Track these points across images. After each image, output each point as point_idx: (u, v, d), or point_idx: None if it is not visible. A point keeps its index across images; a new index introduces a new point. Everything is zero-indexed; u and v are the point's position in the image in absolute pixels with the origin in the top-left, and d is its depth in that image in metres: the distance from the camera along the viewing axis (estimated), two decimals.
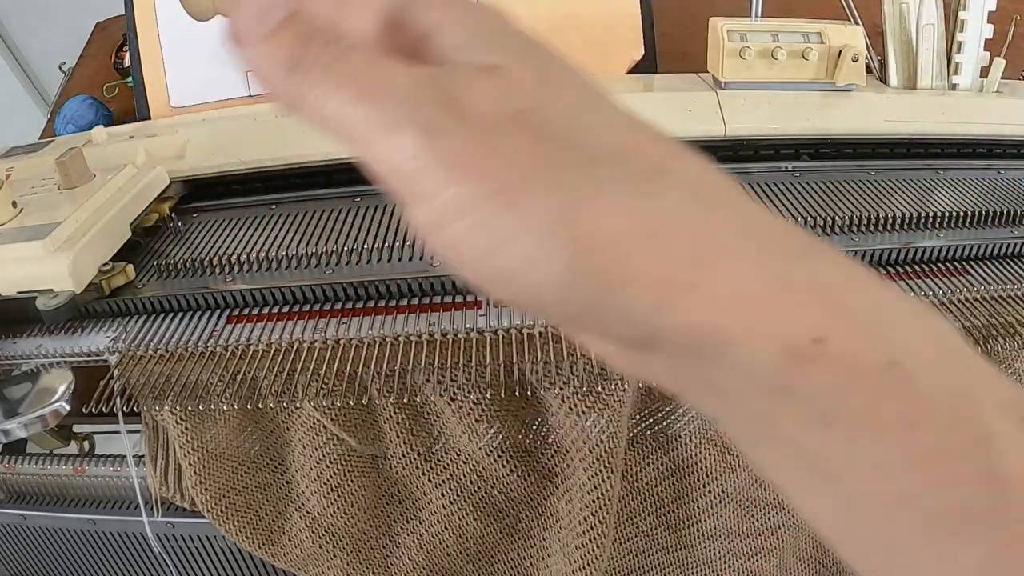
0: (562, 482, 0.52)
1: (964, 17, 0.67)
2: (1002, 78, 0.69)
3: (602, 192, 0.17)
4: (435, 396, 0.48)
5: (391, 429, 0.51)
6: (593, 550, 0.50)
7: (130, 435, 0.51)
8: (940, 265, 0.55)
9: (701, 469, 0.53)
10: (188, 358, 0.50)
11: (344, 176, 0.68)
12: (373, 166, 0.18)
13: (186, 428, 0.50)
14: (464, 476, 0.53)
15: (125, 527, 0.61)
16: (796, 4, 0.91)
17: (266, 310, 0.54)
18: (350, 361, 0.49)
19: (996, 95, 0.69)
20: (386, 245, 0.57)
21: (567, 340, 0.49)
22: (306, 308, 0.54)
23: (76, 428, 0.64)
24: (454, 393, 0.48)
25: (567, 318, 0.19)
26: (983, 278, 0.54)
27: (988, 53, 0.68)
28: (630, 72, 0.79)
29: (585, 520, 0.50)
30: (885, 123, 0.67)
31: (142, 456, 0.53)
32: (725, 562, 0.57)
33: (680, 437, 0.52)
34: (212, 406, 0.48)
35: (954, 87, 0.70)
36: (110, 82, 0.96)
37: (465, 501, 0.53)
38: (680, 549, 0.57)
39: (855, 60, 0.65)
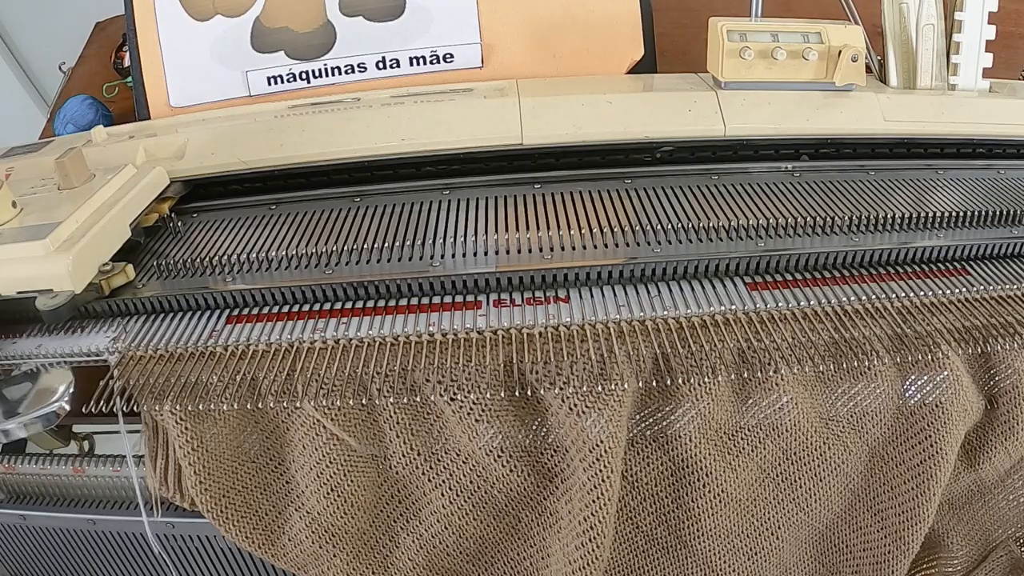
0: (562, 482, 0.52)
1: (961, 18, 0.67)
2: (1001, 78, 0.69)
3: None
4: (435, 396, 0.48)
5: (391, 429, 0.51)
6: (593, 550, 0.51)
7: (130, 435, 0.51)
8: (939, 265, 0.55)
9: (701, 469, 0.53)
10: (188, 358, 0.50)
11: (344, 176, 0.68)
12: None
13: (186, 428, 0.50)
14: (464, 476, 0.53)
15: (125, 527, 0.61)
16: (796, 4, 0.91)
17: (266, 310, 0.54)
18: (350, 361, 0.49)
19: (995, 95, 0.69)
20: (386, 245, 0.57)
21: (567, 340, 0.49)
22: (306, 308, 0.54)
23: (76, 428, 0.64)
24: (454, 393, 0.48)
25: None
26: (983, 278, 0.54)
27: (990, 54, 0.69)
28: (630, 72, 0.80)
29: (585, 520, 0.50)
30: (885, 123, 0.67)
31: (142, 456, 0.53)
32: (725, 562, 0.57)
33: (680, 437, 0.52)
34: (212, 406, 0.48)
35: (953, 87, 0.70)
36: (110, 82, 0.96)
37: (465, 501, 0.53)
38: (680, 549, 0.57)
39: (855, 60, 0.65)
